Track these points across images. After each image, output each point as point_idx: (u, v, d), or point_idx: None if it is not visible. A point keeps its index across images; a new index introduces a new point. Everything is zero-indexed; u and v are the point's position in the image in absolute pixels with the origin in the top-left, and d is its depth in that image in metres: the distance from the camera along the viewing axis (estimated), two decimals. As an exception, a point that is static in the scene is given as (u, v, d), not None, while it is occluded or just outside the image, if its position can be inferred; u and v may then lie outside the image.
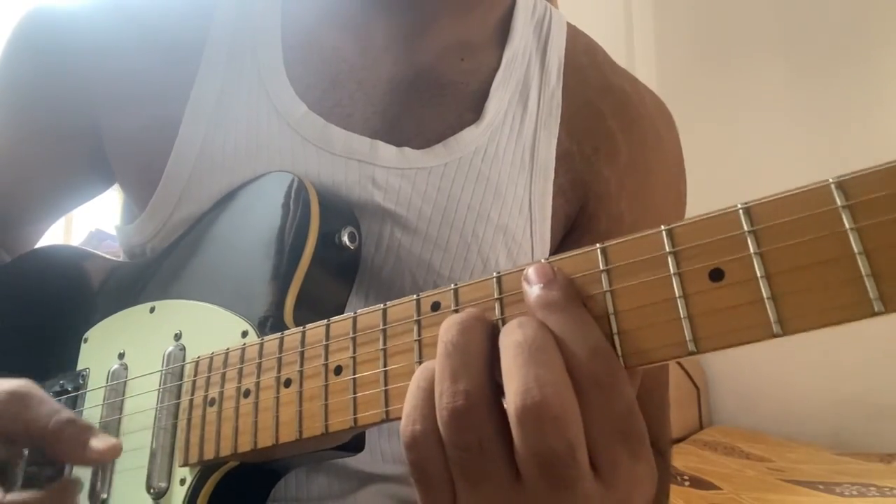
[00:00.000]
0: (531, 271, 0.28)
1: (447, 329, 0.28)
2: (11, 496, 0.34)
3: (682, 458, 1.47)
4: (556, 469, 0.24)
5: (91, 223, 1.55)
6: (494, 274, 0.30)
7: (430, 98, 0.51)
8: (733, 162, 2.03)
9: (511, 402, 0.25)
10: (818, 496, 1.25)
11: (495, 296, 0.29)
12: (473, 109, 0.51)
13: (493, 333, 0.28)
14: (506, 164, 0.51)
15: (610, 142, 0.54)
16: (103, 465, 0.43)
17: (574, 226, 0.54)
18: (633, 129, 0.54)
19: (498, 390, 0.27)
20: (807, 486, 1.31)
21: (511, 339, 0.26)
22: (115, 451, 0.37)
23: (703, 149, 1.65)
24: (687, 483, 1.29)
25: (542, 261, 0.29)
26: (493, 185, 0.50)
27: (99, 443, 0.37)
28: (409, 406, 0.28)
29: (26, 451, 0.40)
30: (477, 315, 0.28)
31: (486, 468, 0.26)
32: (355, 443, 0.37)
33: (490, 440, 0.26)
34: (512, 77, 0.53)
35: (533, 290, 0.28)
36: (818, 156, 1.89)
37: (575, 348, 0.26)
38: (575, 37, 0.57)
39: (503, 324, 0.28)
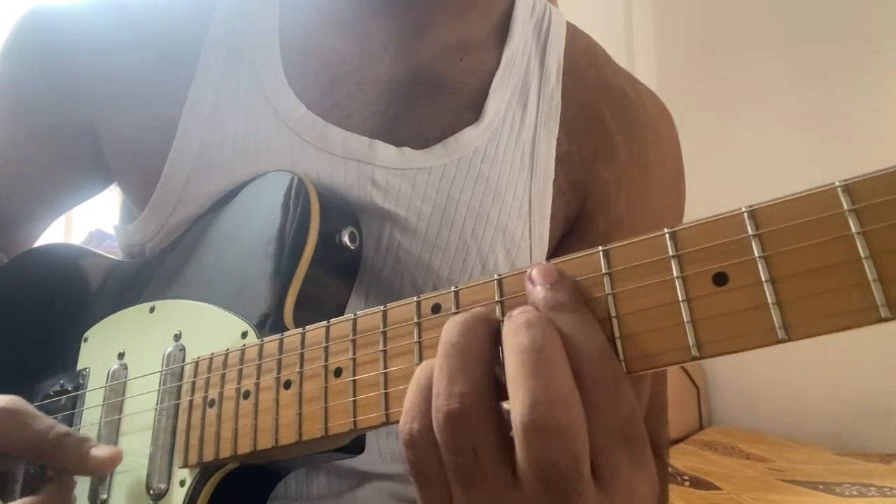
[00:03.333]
0: (536, 272, 0.28)
1: (448, 329, 0.27)
2: None
3: (682, 458, 1.47)
4: (559, 483, 0.24)
5: (91, 223, 1.55)
6: (496, 276, 0.29)
7: (429, 98, 0.50)
8: (733, 162, 2.02)
9: (517, 414, 0.24)
10: (818, 496, 1.25)
11: (496, 298, 0.29)
12: (473, 109, 0.51)
13: (496, 335, 0.27)
14: (505, 165, 0.50)
15: (609, 143, 0.53)
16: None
17: (573, 227, 0.54)
18: (631, 130, 0.54)
19: (497, 391, 0.26)
20: (807, 486, 1.31)
21: (517, 341, 0.25)
22: (117, 459, 0.37)
23: (703, 149, 1.65)
24: (687, 483, 1.29)
25: (546, 262, 0.28)
26: (493, 185, 0.49)
27: (100, 451, 0.37)
28: (407, 403, 0.27)
29: (22, 466, 0.40)
30: (480, 316, 0.28)
31: (479, 472, 0.25)
32: (355, 445, 0.37)
33: (484, 445, 0.25)
34: (511, 77, 0.53)
35: (538, 291, 0.27)
36: (818, 156, 1.88)
37: (583, 351, 0.25)
38: (574, 36, 0.57)
39: None
